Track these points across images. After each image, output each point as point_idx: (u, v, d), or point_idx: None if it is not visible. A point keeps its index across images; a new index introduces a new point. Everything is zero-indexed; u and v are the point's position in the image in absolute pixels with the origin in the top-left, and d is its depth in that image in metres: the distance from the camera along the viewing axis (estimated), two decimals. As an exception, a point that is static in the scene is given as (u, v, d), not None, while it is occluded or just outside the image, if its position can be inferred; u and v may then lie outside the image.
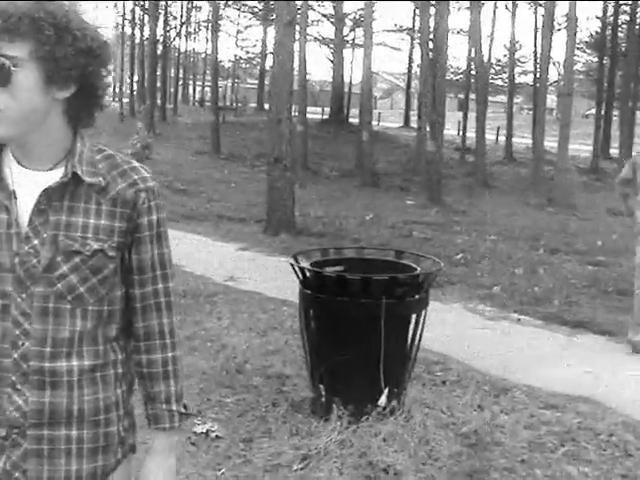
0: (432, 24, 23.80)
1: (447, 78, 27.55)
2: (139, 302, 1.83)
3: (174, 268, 1.90)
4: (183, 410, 1.90)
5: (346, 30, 41.37)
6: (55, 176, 1.70)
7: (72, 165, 1.69)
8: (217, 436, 4.47)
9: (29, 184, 1.70)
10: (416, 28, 37.68)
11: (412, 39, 42.48)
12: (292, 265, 4.69)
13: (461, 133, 36.31)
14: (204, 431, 4.52)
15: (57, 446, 1.74)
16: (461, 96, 46.65)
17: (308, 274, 4.63)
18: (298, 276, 4.69)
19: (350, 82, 45.58)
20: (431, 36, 23.78)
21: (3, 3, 1.58)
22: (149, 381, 1.88)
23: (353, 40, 44.31)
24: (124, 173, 1.76)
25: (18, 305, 1.69)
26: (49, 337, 1.70)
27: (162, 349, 1.86)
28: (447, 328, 6.99)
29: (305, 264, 4.73)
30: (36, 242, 1.68)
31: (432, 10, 24.60)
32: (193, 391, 5.13)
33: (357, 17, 39.86)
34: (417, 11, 36.56)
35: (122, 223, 1.74)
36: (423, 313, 4.69)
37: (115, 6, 51.11)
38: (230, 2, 49.76)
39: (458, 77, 51.62)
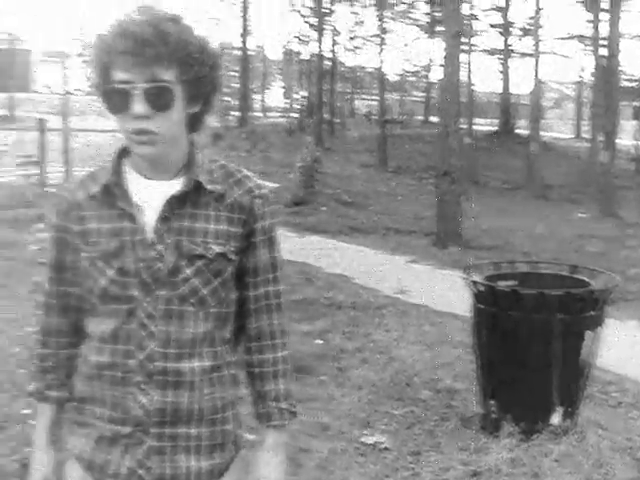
0: (604, 30, 22.99)
1: (621, 85, 26.47)
2: (252, 304, 1.91)
3: (283, 271, 1.96)
4: (292, 409, 1.95)
5: (513, 39, 40.61)
6: (176, 185, 1.80)
7: (195, 174, 1.81)
8: (385, 448, 4.50)
9: (152, 193, 1.81)
10: (587, 35, 36.49)
11: (584, 46, 41.14)
12: (464, 279, 4.67)
13: (637, 142, 34.76)
14: (372, 442, 4.56)
15: (178, 443, 1.82)
16: (636, 104, 44.66)
17: (481, 288, 4.59)
18: (471, 290, 4.66)
19: (518, 93, 44.64)
20: (604, 42, 22.96)
21: (147, 32, 1.67)
22: (260, 380, 1.94)
23: (521, 50, 43.44)
24: (239, 181, 1.87)
25: (144, 308, 1.79)
26: (173, 339, 1.79)
27: (273, 349, 1.93)
28: (622, 347, 6.70)
29: (477, 278, 4.69)
30: (161, 247, 1.78)
31: (605, 16, 23.75)
32: (362, 402, 5.19)
33: (525, 26, 39.04)
34: (588, 17, 35.38)
35: (239, 228, 1.84)
36: (598, 330, 4.55)
37: (283, 24, 52.46)
38: (396, 16, 50.02)
39: (633, 84, 49.50)
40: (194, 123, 1.85)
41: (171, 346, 1.79)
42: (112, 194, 1.81)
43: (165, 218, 1.79)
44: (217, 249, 1.81)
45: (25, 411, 4.83)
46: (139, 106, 1.70)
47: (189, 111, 1.80)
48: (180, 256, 1.79)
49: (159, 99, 1.71)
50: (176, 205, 1.79)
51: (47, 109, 51.06)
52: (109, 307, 1.81)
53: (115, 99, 1.74)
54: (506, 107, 39.14)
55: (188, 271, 1.79)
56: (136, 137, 1.74)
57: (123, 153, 1.86)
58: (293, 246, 12.15)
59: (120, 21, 1.72)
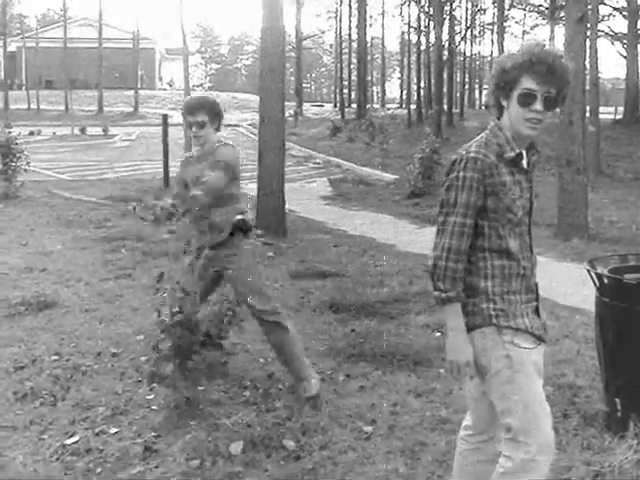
0: None
1: None
2: None
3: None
4: None
5: (641, 23, 39.05)
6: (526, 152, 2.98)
7: (534, 144, 3.01)
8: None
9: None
10: None
11: None
12: (588, 271, 4.50)
13: None
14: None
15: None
16: None
17: (606, 281, 4.41)
18: (595, 283, 4.48)
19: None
20: None
21: (554, 63, 2.78)
22: None
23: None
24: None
25: (526, 231, 3.00)
26: (532, 245, 3.06)
27: None
28: None
29: (602, 270, 4.51)
30: (528, 193, 2.98)
31: None
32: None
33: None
34: None
35: None
36: None
37: (401, 14, 52.15)
38: (515, 2, 48.94)
39: None
40: None
41: (532, 250, 3.02)
42: (517, 157, 2.90)
43: (529, 173, 2.99)
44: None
45: (149, 397, 4.99)
46: (539, 105, 2.79)
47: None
48: (532, 197, 3.02)
49: (550, 104, 2.81)
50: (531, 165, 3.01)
51: (171, 105, 52.68)
52: (516, 229, 2.92)
53: (524, 98, 2.80)
54: (632, 94, 37.64)
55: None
56: (531, 124, 2.82)
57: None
58: (411, 238, 12.09)
59: (533, 49, 2.78)
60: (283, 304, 7.38)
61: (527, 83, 2.77)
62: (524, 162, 2.94)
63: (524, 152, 2.94)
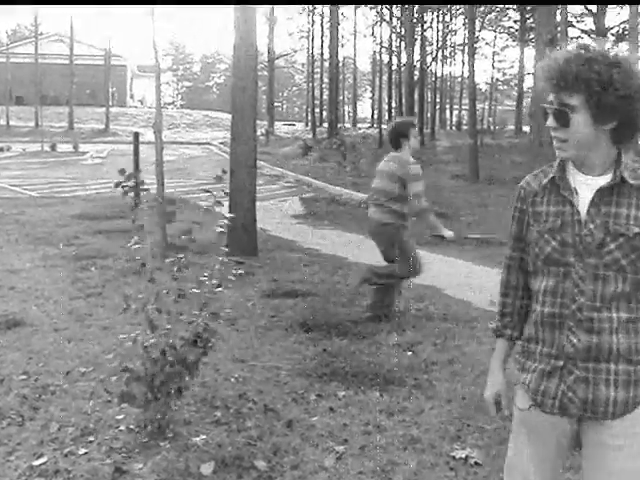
0: None
1: None
2: None
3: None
4: None
5: (609, 45, 39.64)
6: (604, 180, 2.41)
7: (620, 171, 2.39)
8: (476, 462, 4.41)
9: (585, 185, 2.43)
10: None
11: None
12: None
13: None
14: (463, 457, 4.47)
15: (599, 376, 2.38)
16: None
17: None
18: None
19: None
20: None
21: (563, 68, 2.34)
22: None
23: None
24: None
25: (577, 271, 2.39)
26: (598, 295, 2.37)
27: None
28: None
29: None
30: (592, 226, 2.38)
31: None
32: (452, 415, 5.10)
33: (620, 31, 38.09)
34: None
35: None
36: None
37: (372, 34, 52.53)
38: (486, 24, 49.51)
39: None
40: (617, 137, 2.40)
41: (596, 300, 2.37)
42: (557, 185, 2.48)
43: (596, 204, 2.39)
44: (637, 229, 2.36)
45: (119, 417, 4.93)
46: (550, 121, 2.41)
47: (603, 128, 2.36)
48: (606, 234, 2.37)
49: (560, 118, 2.38)
50: (605, 194, 2.39)
51: (142, 123, 52.57)
52: (551, 269, 2.45)
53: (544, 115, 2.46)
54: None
55: (612, 245, 2.36)
56: (554, 143, 2.44)
57: None
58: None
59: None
60: (254, 323, 7.37)
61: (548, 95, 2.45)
62: (573, 190, 2.43)
63: (572, 178, 2.46)
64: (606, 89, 2.28)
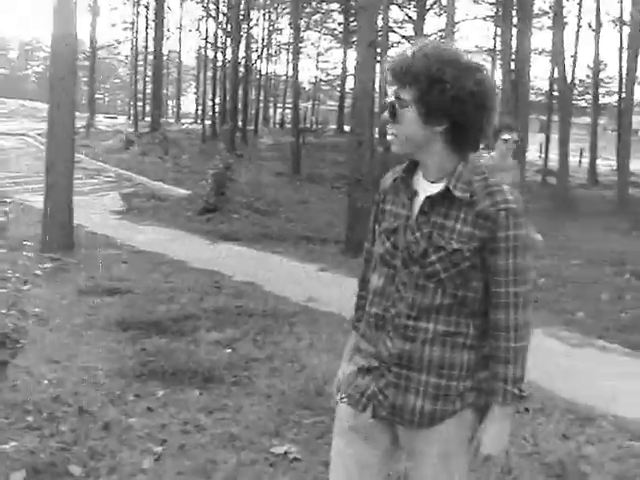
0: (514, 44, 23.57)
1: (529, 99, 27.13)
2: (493, 298, 2.31)
3: (530, 275, 2.33)
4: (516, 392, 2.32)
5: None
6: (437, 188, 2.29)
7: (449, 181, 2.27)
8: (295, 458, 4.45)
9: (422, 190, 2.34)
10: (497, 48, 37.35)
11: (493, 60, 42.10)
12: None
13: (543, 155, 35.76)
14: (282, 452, 4.51)
15: (410, 384, 2.33)
16: (543, 117, 45.84)
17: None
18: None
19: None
20: (513, 56, 23.53)
21: (401, 61, 2.24)
22: (492, 362, 2.34)
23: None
24: (491, 193, 2.26)
25: (400, 277, 2.33)
26: (416, 304, 2.30)
27: (505, 340, 2.32)
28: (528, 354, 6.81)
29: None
30: (418, 235, 2.30)
31: (514, 30, 24.33)
32: (272, 411, 5.13)
33: (437, 38, 39.77)
34: (498, 31, 36.27)
35: (482, 233, 2.25)
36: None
37: (198, 29, 52.07)
38: (311, 25, 50.23)
39: (540, 98, 50.85)
40: (453, 141, 2.28)
41: (414, 309, 2.31)
42: (399, 186, 2.41)
43: (425, 212, 2.31)
44: (455, 245, 2.25)
45: None
46: (384, 114, 2.32)
47: (434, 129, 2.25)
48: (429, 245, 2.28)
49: (391, 112, 2.29)
50: (437, 203, 2.29)
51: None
52: (382, 270, 2.40)
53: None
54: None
55: (433, 257, 2.27)
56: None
57: None
58: (203, 254, 12.03)
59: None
60: (69, 322, 7.13)
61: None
62: (414, 193, 2.36)
63: (416, 180, 2.39)
64: (433, 86, 2.17)
